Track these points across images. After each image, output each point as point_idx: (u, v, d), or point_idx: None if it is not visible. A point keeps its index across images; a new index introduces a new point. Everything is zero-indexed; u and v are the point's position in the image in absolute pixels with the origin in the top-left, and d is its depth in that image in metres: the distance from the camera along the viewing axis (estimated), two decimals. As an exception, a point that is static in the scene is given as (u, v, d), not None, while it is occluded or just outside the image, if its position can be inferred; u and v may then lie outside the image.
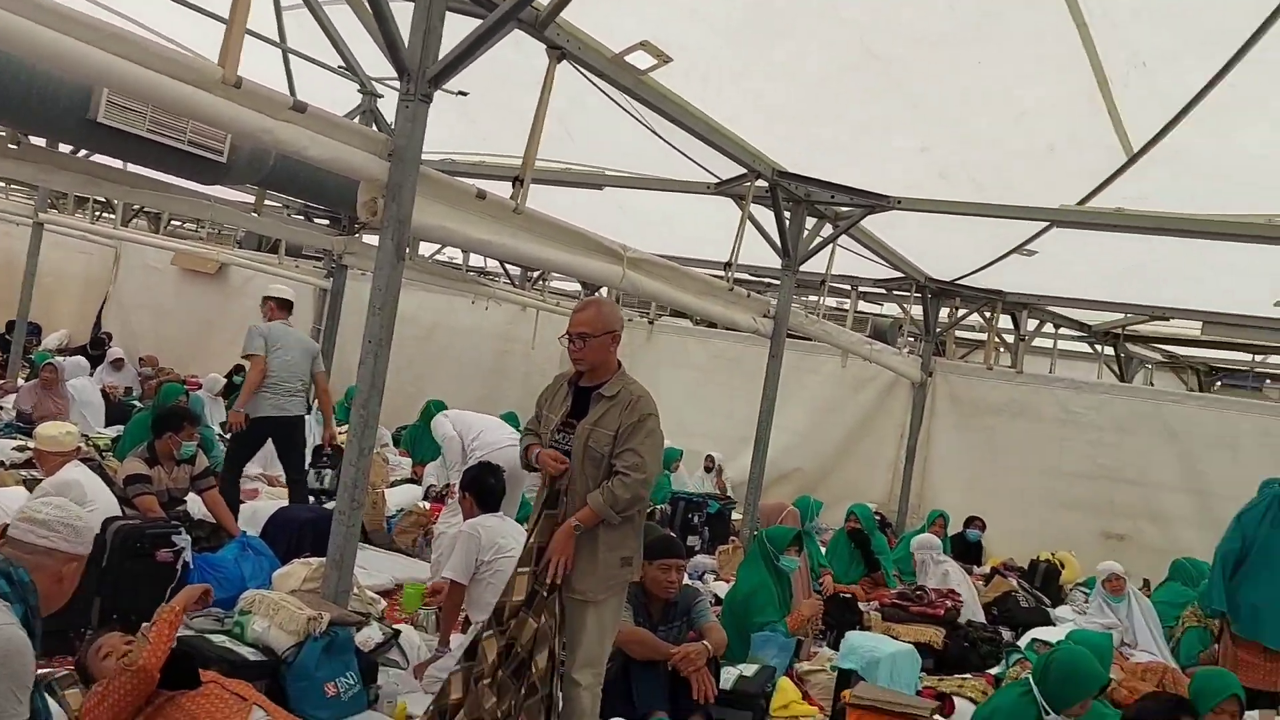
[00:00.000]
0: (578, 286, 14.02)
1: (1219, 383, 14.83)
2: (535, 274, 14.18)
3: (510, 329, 14.11)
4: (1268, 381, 14.75)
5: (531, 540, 3.95)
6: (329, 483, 7.72)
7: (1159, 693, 4.32)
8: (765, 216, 7.70)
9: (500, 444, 6.84)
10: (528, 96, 5.03)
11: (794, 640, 5.80)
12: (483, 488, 5.43)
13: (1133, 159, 5.90)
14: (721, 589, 7.16)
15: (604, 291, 10.98)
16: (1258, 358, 13.42)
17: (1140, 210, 6.78)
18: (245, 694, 3.46)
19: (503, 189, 5.13)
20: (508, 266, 14.21)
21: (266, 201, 9.99)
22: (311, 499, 7.50)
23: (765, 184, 7.31)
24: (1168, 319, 11.18)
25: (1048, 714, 4.11)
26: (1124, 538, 10.51)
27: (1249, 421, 10.37)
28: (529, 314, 13.53)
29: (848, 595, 7.34)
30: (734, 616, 5.76)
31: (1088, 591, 8.72)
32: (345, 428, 5.89)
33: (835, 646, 6.09)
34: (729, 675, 5.01)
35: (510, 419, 8.84)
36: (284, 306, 7.47)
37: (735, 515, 9.73)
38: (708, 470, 12.02)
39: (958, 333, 12.85)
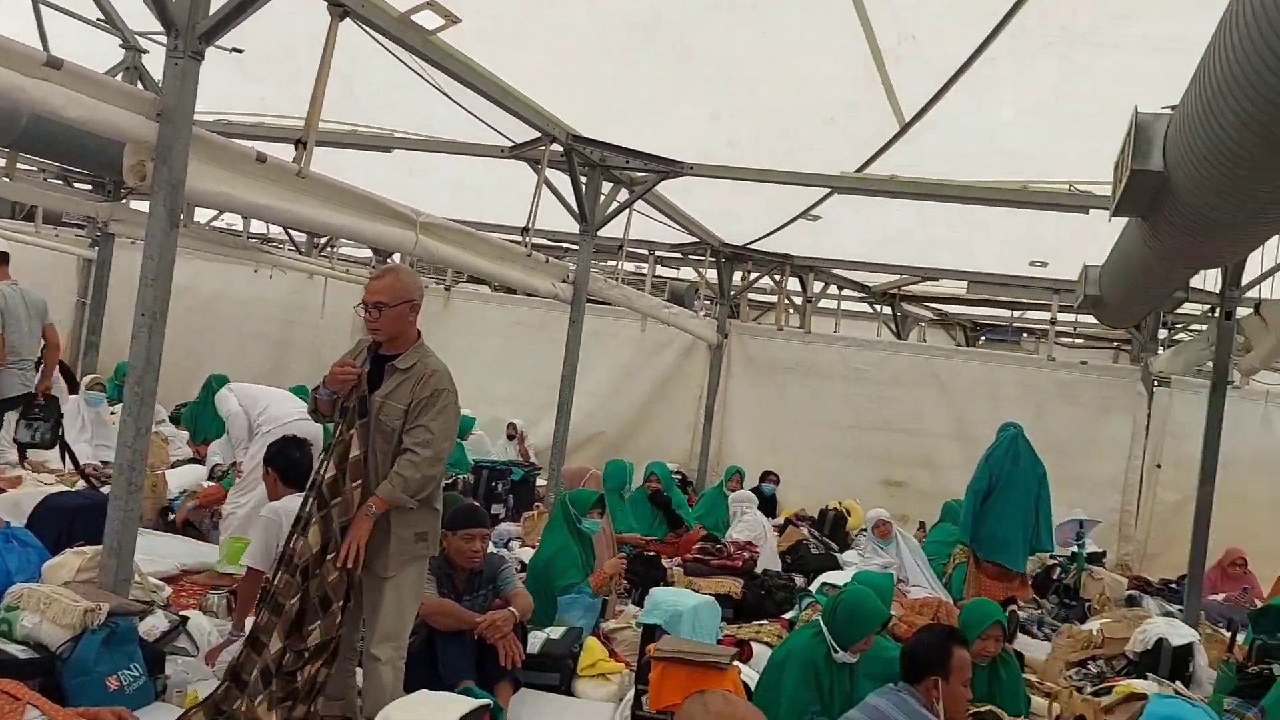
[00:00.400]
0: (369, 253, 13.59)
1: (983, 338, 16.06)
2: (322, 240, 13.64)
3: (297, 298, 13.49)
4: (1025, 335, 16.08)
5: (332, 472, 3.85)
6: (40, 435, 7.20)
7: (933, 625, 4.66)
8: (562, 181, 7.69)
9: (289, 417, 6.52)
10: (309, 55, 4.80)
11: (599, 600, 5.89)
12: (288, 462, 5.10)
13: (904, 128, 6.25)
14: (528, 555, 7.18)
15: (397, 258, 10.71)
16: (1016, 313, 14.62)
17: (911, 177, 7.22)
18: (17, 693, 3.20)
19: (285, 152, 4.89)
20: (292, 233, 13.60)
21: (20, 165, 9.15)
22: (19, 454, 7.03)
23: (560, 148, 7.30)
24: (937, 279, 11.99)
25: (836, 651, 4.37)
26: (902, 484, 11.27)
27: (1009, 372, 11.34)
28: (317, 282, 13.00)
29: (651, 553, 7.53)
30: (539, 581, 5.79)
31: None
32: (119, 407, 5.51)
33: (640, 604, 6.24)
34: (536, 639, 5.04)
35: (300, 393, 8.49)
36: (3, 261, 6.92)
37: (540, 481, 9.76)
38: (510, 438, 11.99)
39: (750, 295, 13.32)
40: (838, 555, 8.93)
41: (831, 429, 11.50)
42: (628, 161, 7.67)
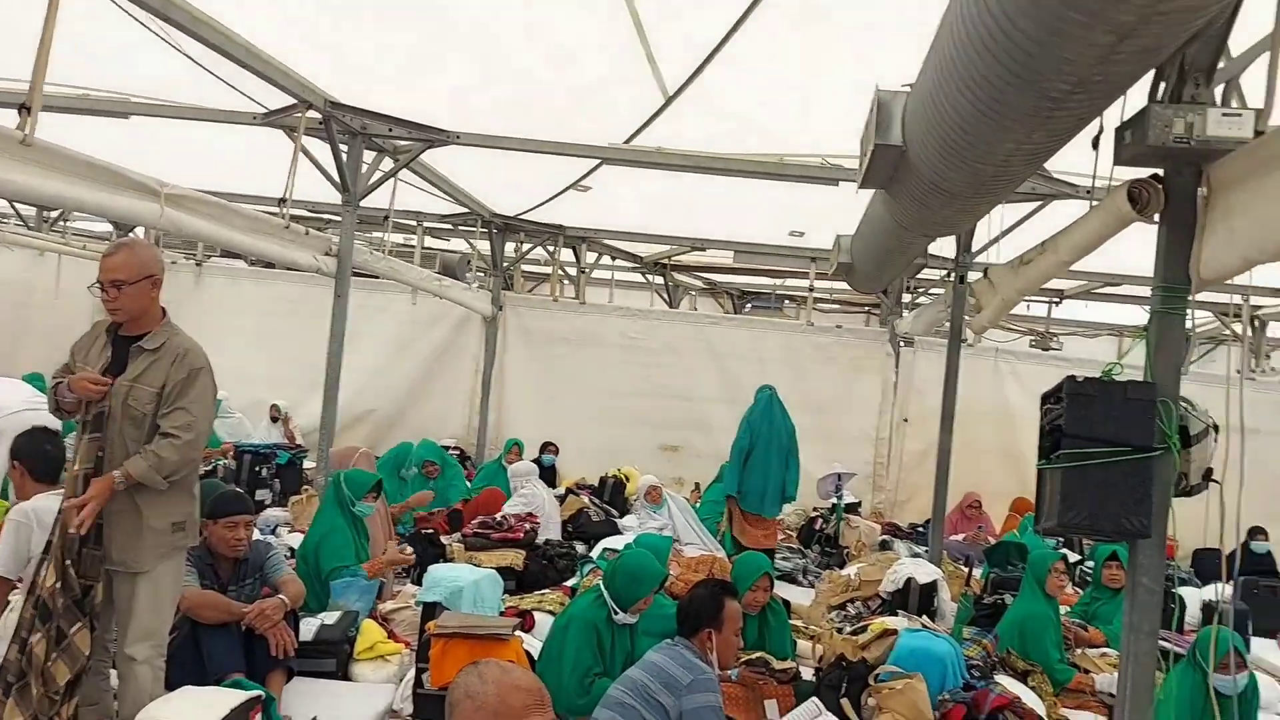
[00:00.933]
0: (108, 227, 12.53)
1: (749, 305, 16.75)
2: (54, 214, 12.45)
3: (27, 277, 12.26)
4: (787, 302, 16.90)
5: (77, 468, 3.58)
6: None
7: (707, 580, 4.85)
8: (321, 150, 7.37)
9: (13, 408, 5.89)
10: (32, 12, 4.35)
11: (376, 582, 5.76)
12: (38, 455, 4.47)
13: (669, 100, 6.38)
14: (298, 541, 6.90)
15: (139, 232, 9.93)
16: (778, 281, 15.33)
17: (678, 150, 7.40)
18: None
19: (6, 118, 4.42)
20: (18, 206, 12.33)
21: None
22: None
23: (318, 115, 6.99)
24: (705, 249, 12.39)
25: (617, 613, 4.47)
26: (678, 448, 11.65)
27: (773, 337, 11.93)
28: (49, 260, 11.89)
29: (429, 530, 7.42)
30: (309, 565, 5.59)
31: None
32: None
33: (419, 583, 6.14)
34: (310, 626, 4.89)
35: (35, 381, 7.75)
36: None
37: (308, 464, 9.39)
38: (274, 420, 11.43)
39: (524, 266, 13.29)
40: (618, 521, 9.13)
41: (609, 397, 11.69)
42: (390, 129, 7.44)
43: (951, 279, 8.68)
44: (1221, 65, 3.37)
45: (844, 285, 9.44)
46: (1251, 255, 3.18)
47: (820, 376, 11.39)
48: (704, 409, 11.56)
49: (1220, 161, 3.32)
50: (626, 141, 7.38)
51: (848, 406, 11.47)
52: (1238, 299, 10.89)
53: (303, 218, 10.44)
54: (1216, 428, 3.65)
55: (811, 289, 11.92)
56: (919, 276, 11.54)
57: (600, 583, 4.71)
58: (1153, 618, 3.68)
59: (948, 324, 8.65)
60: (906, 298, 12.38)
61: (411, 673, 4.73)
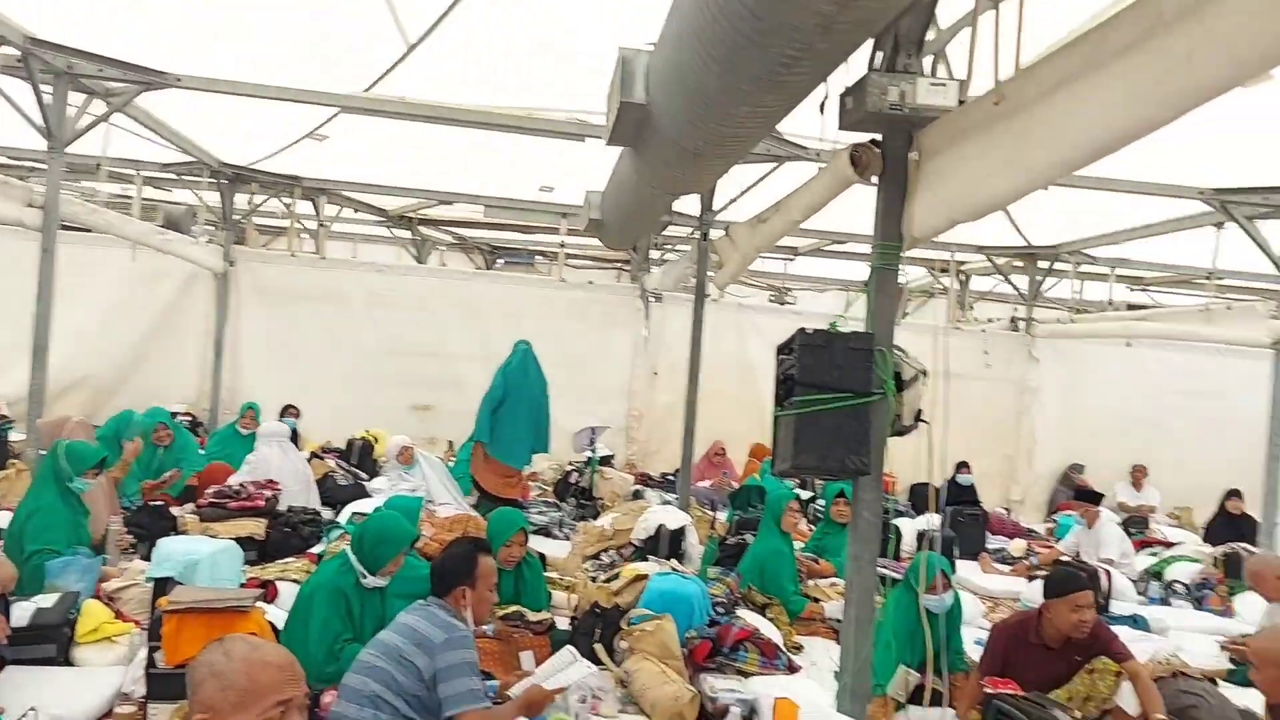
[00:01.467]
0: None
1: (501, 260, 16.62)
2: None
3: None
4: (539, 258, 16.91)
5: None
6: None
7: (460, 538, 4.82)
8: (21, 91, 6.61)
9: None
10: None
11: (98, 560, 5.33)
12: None
13: (411, 48, 6.18)
14: (4, 520, 6.26)
15: None
16: (530, 237, 15.29)
17: (422, 100, 7.19)
18: None
19: None
20: None
21: None
22: None
23: (16, 52, 6.26)
24: (453, 203, 12.17)
25: (365, 577, 4.37)
26: (430, 407, 11.44)
27: (526, 294, 11.94)
28: None
29: (159, 503, 6.94)
30: (16, 544, 5.10)
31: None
32: None
33: (148, 558, 5.73)
34: (24, 610, 4.48)
35: None
36: None
37: (15, 436, 8.52)
38: (-26, 389, 10.26)
39: (259, 220, 12.54)
40: (367, 484, 8.90)
41: (356, 357, 11.28)
42: (101, 70, 6.77)
43: (696, 236, 8.99)
44: (930, 37, 3.66)
45: (595, 241, 9.56)
46: (955, 215, 3.49)
47: (573, 332, 11.51)
48: (457, 366, 11.39)
49: (928, 128, 3.62)
50: (366, 90, 7.09)
51: (601, 361, 11.68)
52: (946, 255, 11.96)
53: (2, 165, 9.38)
54: (926, 373, 4.01)
55: (563, 245, 11.99)
56: (666, 233, 11.86)
57: (347, 547, 4.58)
58: (873, 548, 4.03)
59: (694, 280, 8.97)
60: (655, 254, 12.70)
61: (143, 652, 4.42)
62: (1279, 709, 3.49)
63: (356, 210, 12.60)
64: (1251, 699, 4.22)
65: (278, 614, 4.78)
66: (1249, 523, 9.06)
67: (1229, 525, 9.49)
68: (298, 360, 11.22)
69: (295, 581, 5.59)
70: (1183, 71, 2.37)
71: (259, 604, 4.52)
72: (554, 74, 6.67)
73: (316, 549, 6.61)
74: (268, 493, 7.24)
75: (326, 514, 7.65)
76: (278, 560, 6.31)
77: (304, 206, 11.69)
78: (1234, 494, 9.72)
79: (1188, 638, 6.27)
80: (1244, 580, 6.62)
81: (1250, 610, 6.69)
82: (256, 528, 6.68)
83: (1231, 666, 5.72)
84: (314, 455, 9.38)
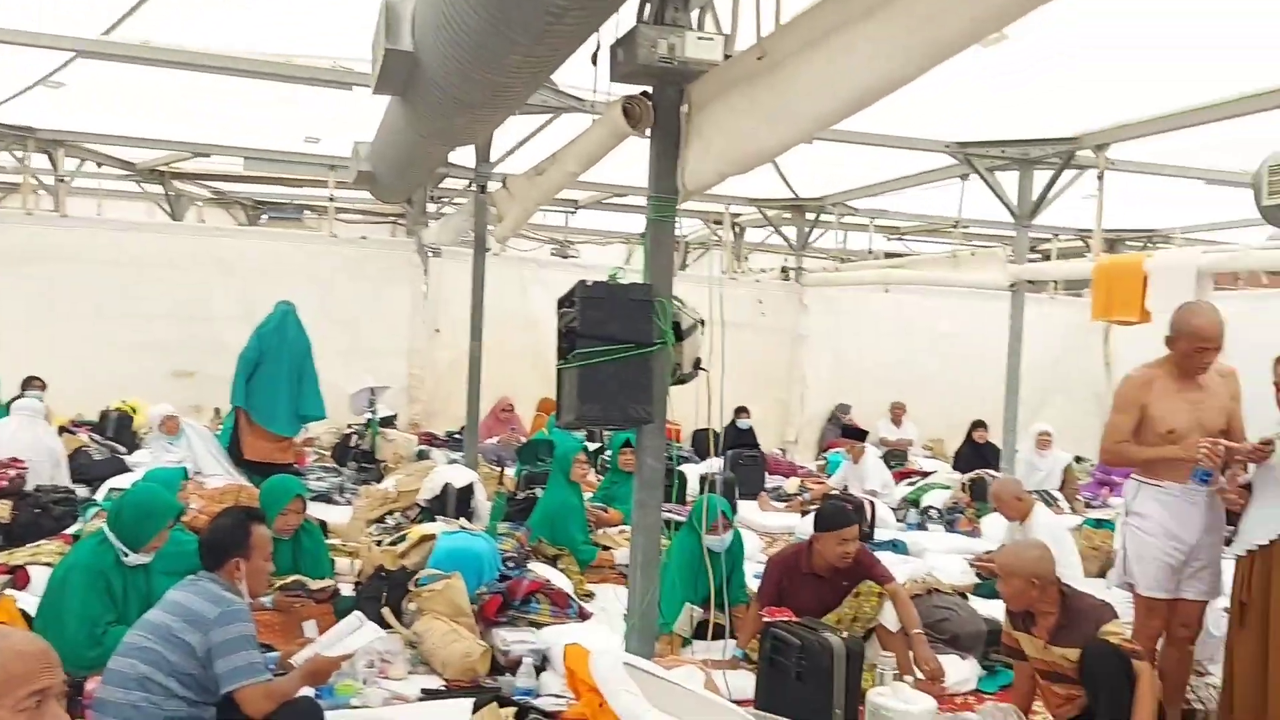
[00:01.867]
0: None
1: (265, 216, 15.74)
2: None
3: None
4: (307, 212, 16.13)
5: None
6: None
7: (231, 508, 4.57)
8: None
9: None
10: None
11: None
12: None
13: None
14: None
15: None
16: (296, 191, 14.56)
17: (167, 45, 6.67)
18: None
19: None
20: None
21: None
22: None
23: None
24: (209, 155, 11.40)
25: (126, 554, 4.09)
26: (193, 373, 10.72)
27: (294, 251, 11.36)
28: None
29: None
30: None
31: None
32: None
33: None
34: None
35: None
36: None
37: None
38: None
39: (-15, 175, 11.33)
40: (126, 458, 8.32)
41: (106, 322, 10.39)
42: None
43: (473, 189, 8.85)
44: (697, -10, 3.71)
45: (367, 195, 9.22)
46: (723, 168, 3.60)
47: (347, 289, 11.08)
48: (221, 329, 10.67)
49: (697, 81, 3.69)
50: (106, 33, 6.49)
51: (378, 319, 11.32)
52: (720, 208, 12.33)
53: None
54: (703, 322, 4.13)
55: (332, 199, 11.50)
56: (442, 186, 11.59)
57: (104, 524, 4.27)
58: (657, 494, 4.14)
59: (473, 233, 8.83)
60: (432, 207, 12.40)
61: None
62: (1018, 615, 3.92)
63: (100, 164, 11.57)
64: (995, 609, 4.67)
65: (30, 601, 4.41)
66: (992, 450, 9.92)
67: (975, 453, 10.38)
68: (40, 328, 10.23)
69: (48, 565, 5.16)
70: (925, 29, 2.52)
71: (8, 591, 4.16)
72: (316, 17, 6.34)
73: (72, 529, 6.13)
74: (11, 472, 6.64)
75: (82, 492, 7.09)
76: (27, 544, 5.81)
77: (40, 160, 10.63)
78: (979, 424, 10.62)
79: (941, 558, 6.81)
80: (989, 503, 7.22)
81: (995, 530, 7.34)
82: (2, 510, 6.12)
83: (978, 580, 6.29)
84: (64, 430, 8.65)
